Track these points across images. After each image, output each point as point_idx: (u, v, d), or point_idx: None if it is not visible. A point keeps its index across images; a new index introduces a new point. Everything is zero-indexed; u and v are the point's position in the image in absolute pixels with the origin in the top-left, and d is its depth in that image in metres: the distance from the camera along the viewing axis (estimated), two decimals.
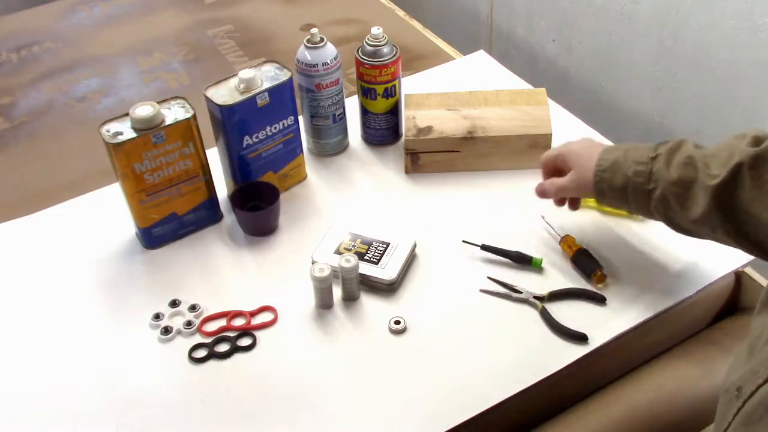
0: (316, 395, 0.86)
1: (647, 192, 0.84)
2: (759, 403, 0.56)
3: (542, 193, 0.97)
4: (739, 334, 0.95)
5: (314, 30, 1.10)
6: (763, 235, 0.77)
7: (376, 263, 0.97)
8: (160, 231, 1.04)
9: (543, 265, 0.99)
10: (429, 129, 1.11)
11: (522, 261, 0.98)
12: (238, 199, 1.05)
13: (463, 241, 1.01)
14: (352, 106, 1.21)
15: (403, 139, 1.22)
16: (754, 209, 0.76)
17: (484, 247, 0.99)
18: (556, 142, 1.19)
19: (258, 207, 1.06)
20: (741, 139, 0.80)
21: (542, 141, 1.11)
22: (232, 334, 0.93)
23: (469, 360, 0.89)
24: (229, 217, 1.10)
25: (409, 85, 1.29)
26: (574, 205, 1.00)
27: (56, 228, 1.10)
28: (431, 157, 1.12)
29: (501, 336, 0.91)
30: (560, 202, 1.00)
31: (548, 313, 0.92)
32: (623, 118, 1.56)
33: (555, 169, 0.97)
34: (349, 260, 0.93)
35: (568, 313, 0.93)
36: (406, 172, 1.14)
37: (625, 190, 0.86)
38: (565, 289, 0.95)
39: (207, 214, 1.07)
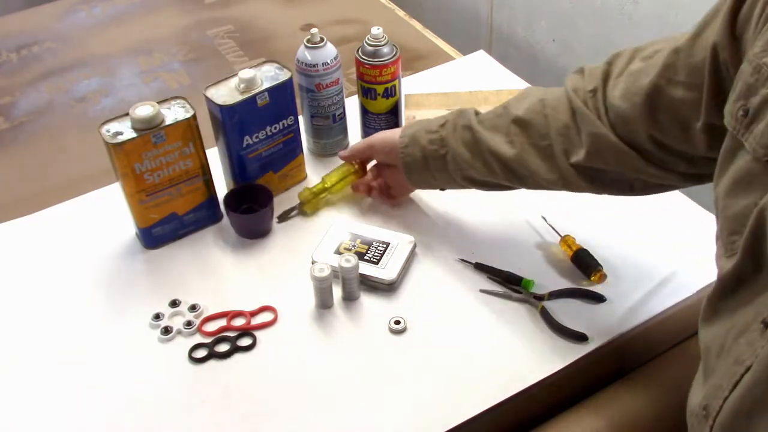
0: (316, 395, 0.86)
1: (442, 156, 0.92)
2: (733, 414, 0.56)
3: (342, 154, 1.07)
4: None
5: (314, 30, 1.10)
6: (540, 183, 0.88)
7: (376, 263, 0.97)
8: (160, 231, 1.04)
9: (542, 265, 0.99)
10: None
11: (513, 282, 0.97)
12: (232, 202, 1.05)
13: (460, 260, 1.00)
14: (352, 106, 1.21)
15: None
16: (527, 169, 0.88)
17: (478, 266, 0.99)
18: None
19: (252, 209, 1.06)
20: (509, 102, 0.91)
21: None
22: (232, 334, 0.93)
23: (469, 360, 0.89)
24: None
25: (409, 85, 1.29)
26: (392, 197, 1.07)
27: (56, 228, 1.10)
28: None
29: (501, 336, 0.91)
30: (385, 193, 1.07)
31: (548, 312, 0.92)
32: None
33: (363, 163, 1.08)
34: (349, 260, 0.93)
35: (568, 312, 0.93)
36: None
37: (425, 160, 0.94)
38: (565, 288, 0.95)
39: (207, 214, 1.07)
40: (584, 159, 0.82)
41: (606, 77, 0.82)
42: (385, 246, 1.00)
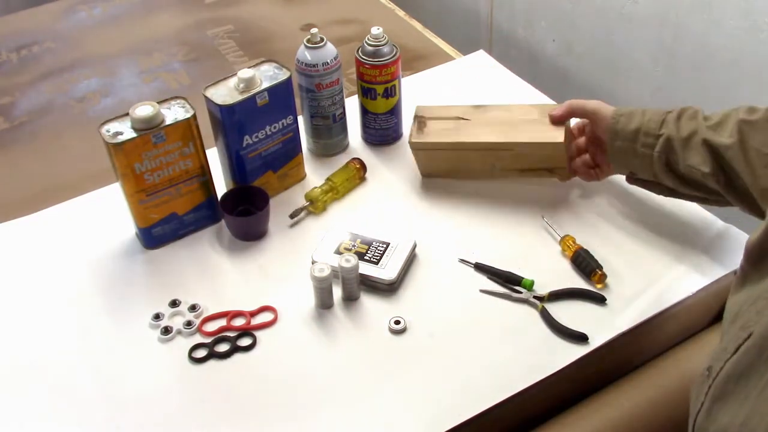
0: (316, 395, 0.86)
1: (657, 135, 0.92)
2: (726, 377, 0.57)
3: (554, 113, 1.02)
4: None
5: (314, 30, 1.10)
6: (752, 188, 0.85)
7: (376, 263, 0.97)
8: (160, 231, 1.04)
9: (542, 265, 0.99)
10: (424, 122, 1.10)
11: (513, 282, 0.97)
12: (228, 204, 1.05)
13: (460, 260, 1.00)
14: (352, 106, 1.21)
15: (405, 138, 1.22)
16: (741, 168, 0.85)
17: (478, 266, 0.99)
18: None
19: (249, 211, 1.06)
20: (737, 109, 0.90)
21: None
22: (232, 334, 0.93)
23: (469, 360, 0.89)
24: None
25: (409, 85, 1.29)
26: (597, 171, 1.04)
27: (56, 228, 1.10)
28: (439, 125, 1.08)
29: (501, 336, 0.91)
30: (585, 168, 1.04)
31: (548, 313, 0.92)
32: None
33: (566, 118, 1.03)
34: (349, 260, 0.93)
35: (568, 313, 0.93)
36: (410, 139, 1.07)
37: (637, 132, 0.93)
38: (565, 289, 0.95)
39: (207, 213, 1.07)
40: None
41: None
42: (385, 246, 1.00)
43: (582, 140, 1.05)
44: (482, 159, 1.08)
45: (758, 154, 0.84)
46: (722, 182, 0.88)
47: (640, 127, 0.93)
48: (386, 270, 0.97)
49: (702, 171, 0.89)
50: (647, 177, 0.97)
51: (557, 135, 1.02)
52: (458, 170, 1.11)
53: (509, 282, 0.96)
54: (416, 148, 1.09)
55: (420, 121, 1.09)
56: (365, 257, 0.98)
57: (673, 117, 0.92)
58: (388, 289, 0.97)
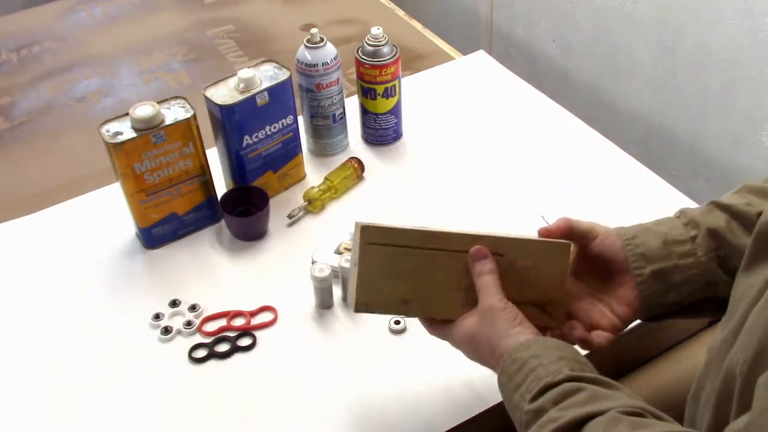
0: (316, 395, 0.86)
1: (692, 238, 0.72)
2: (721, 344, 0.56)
3: (547, 228, 0.76)
4: None
5: (314, 30, 1.10)
6: None
7: None
8: (160, 231, 1.04)
9: None
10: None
11: None
12: (228, 204, 1.05)
13: None
14: (352, 106, 1.21)
15: (405, 138, 1.22)
16: None
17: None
18: (555, 146, 1.19)
19: (249, 211, 1.06)
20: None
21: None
22: (232, 334, 0.93)
23: (469, 360, 0.88)
24: None
25: (409, 85, 1.29)
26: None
27: (56, 228, 1.10)
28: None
29: None
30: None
31: None
32: (623, 118, 1.57)
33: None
34: (349, 260, 0.93)
35: None
36: (358, 222, 0.71)
37: (665, 245, 0.72)
38: None
39: (207, 213, 1.07)
40: None
41: None
42: None
43: None
44: (456, 275, 0.72)
45: None
46: None
47: (665, 239, 0.72)
48: None
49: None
50: (694, 298, 0.73)
51: (561, 242, 0.74)
52: (413, 298, 0.72)
53: None
54: (366, 239, 0.70)
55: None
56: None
57: (695, 214, 0.73)
58: None
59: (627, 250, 0.72)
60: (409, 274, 0.71)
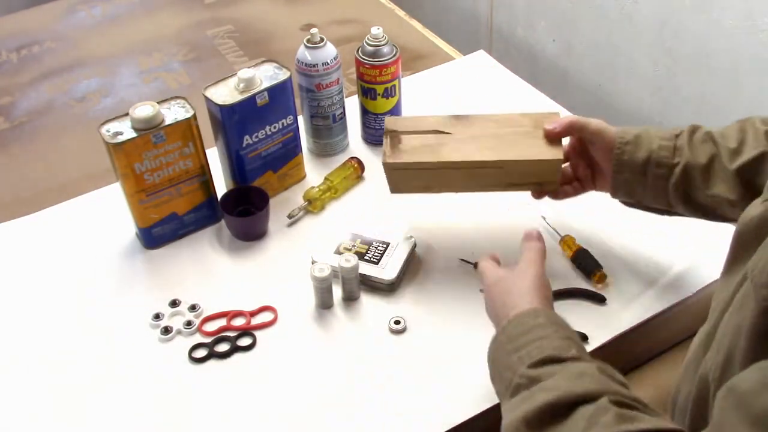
0: (316, 395, 0.86)
1: (671, 166, 0.83)
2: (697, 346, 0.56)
3: (552, 126, 0.89)
4: None
5: (314, 30, 1.10)
6: None
7: (376, 263, 0.97)
8: (160, 231, 1.04)
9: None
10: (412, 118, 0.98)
11: None
12: (228, 204, 1.05)
13: (460, 260, 1.00)
14: (352, 106, 1.21)
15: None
16: None
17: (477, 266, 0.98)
18: None
19: (249, 211, 1.06)
20: (748, 120, 0.83)
21: (553, 120, 0.91)
22: (232, 334, 0.93)
23: (469, 360, 0.89)
24: None
25: (409, 85, 1.29)
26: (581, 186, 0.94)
27: (56, 228, 1.10)
28: (415, 140, 0.93)
29: None
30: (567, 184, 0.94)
31: None
32: (623, 118, 1.56)
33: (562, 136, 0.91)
34: (349, 260, 0.93)
35: (568, 313, 0.92)
36: (384, 159, 0.92)
37: (647, 164, 0.84)
38: (565, 289, 0.95)
39: (207, 213, 1.07)
40: None
41: None
42: (385, 246, 1.00)
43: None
44: (466, 177, 0.93)
45: None
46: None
47: (649, 156, 0.84)
48: (386, 270, 0.97)
49: (729, 199, 0.81)
50: (658, 206, 0.89)
51: (555, 152, 0.89)
52: (435, 187, 0.98)
53: None
54: (391, 168, 0.92)
55: (393, 136, 0.93)
56: (365, 257, 0.98)
57: (685, 141, 0.84)
58: (388, 289, 0.97)
59: (615, 153, 0.85)
60: (427, 178, 0.94)
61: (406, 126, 0.95)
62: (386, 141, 0.93)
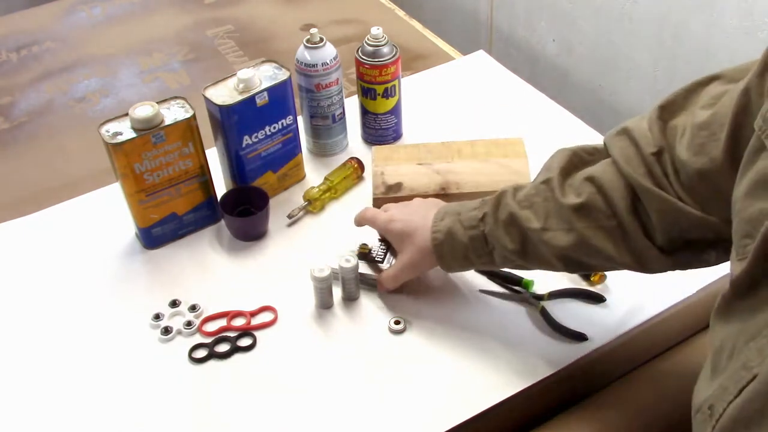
0: (316, 395, 0.86)
1: (489, 252, 0.84)
2: (731, 421, 0.55)
3: (382, 288, 0.95)
4: None
5: (314, 30, 1.10)
6: (614, 266, 0.80)
7: (381, 262, 0.97)
8: (159, 231, 1.04)
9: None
10: (399, 186, 1.04)
11: (513, 282, 0.97)
12: (228, 204, 1.05)
13: None
14: (352, 106, 1.21)
15: (405, 138, 1.22)
16: (599, 256, 0.78)
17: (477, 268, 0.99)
18: (555, 146, 1.19)
19: (248, 211, 1.06)
20: (548, 185, 0.80)
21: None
22: (232, 334, 0.93)
23: (469, 360, 0.89)
24: None
25: (409, 85, 1.29)
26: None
27: (56, 228, 1.10)
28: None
29: (501, 336, 0.91)
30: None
31: (548, 312, 0.92)
32: (623, 118, 1.55)
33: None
34: (349, 260, 0.93)
35: (567, 312, 0.93)
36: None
37: (467, 257, 0.85)
38: (564, 289, 0.95)
39: (207, 214, 1.07)
40: (661, 238, 0.75)
41: (669, 134, 0.74)
42: (387, 246, 1.00)
43: None
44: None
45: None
46: (580, 272, 0.89)
47: (467, 252, 0.85)
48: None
49: (560, 270, 0.82)
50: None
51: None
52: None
53: (509, 282, 0.96)
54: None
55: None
56: (368, 256, 0.98)
57: (491, 224, 0.83)
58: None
59: (434, 250, 0.87)
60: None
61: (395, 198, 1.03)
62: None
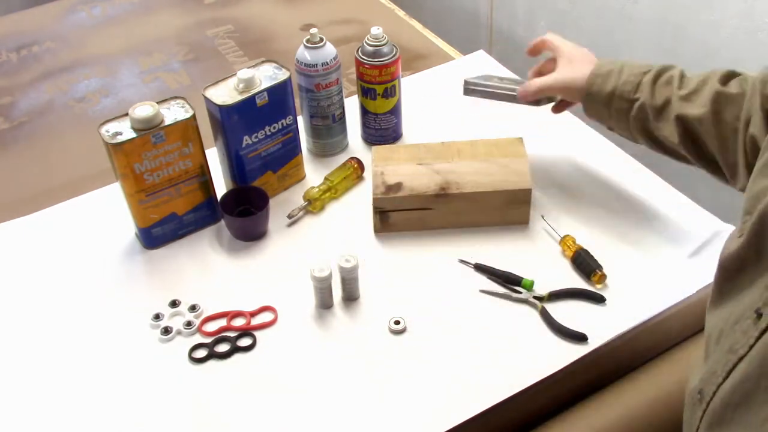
0: (316, 395, 0.86)
1: (631, 101, 0.91)
2: (721, 404, 0.56)
3: (524, 94, 1.02)
4: None
5: (314, 30, 1.10)
6: (721, 161, 0.86)
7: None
8: (159, 231, 1.04)
9: (542, 265, 0.99)
10: (399, 186, 1.02)
11: (513, 282, 0.97)
12: (228, 204, 1.05)
13: (460, 260, 1.00)
14: (352, 106, 1.21)
15: (405, 138, 1.22)
16: (710, 140, 0.85)
17: (478, 266, 0.99)
18: (555, 146, 1.19)
19: (249, 211, 1.06)
20: (714, 73, 0.88)
21: (521, 196, 1.02)
22: (232, 334, 0.93)
23: (469, 360, 0.89)
24: None
25: (409, 85, 1.29)
26: (559, 108, 1.07)
27: (56, 228, 1.10)
28: (402, 216, 1.03)
29: (501, 336, 0.91)
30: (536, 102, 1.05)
31: (548, 313, 0.92)
32: None
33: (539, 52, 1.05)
34: (349, 260, 0.93)
35: (567, 313, 0.93)
36: (375, 231, 1.05)
37: (612, 95, 0.92)
38: (564, 289, 0.95)
39: (206, 214, 1.07)
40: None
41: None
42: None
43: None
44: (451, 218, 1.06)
45: (730, 127, 0.83)
46: (692, 152, 0.89)
47: (614, 90, 0.92)
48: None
49: (673, 141, 0.89)
50: (624, 134, 0.97)
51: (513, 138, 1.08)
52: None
53: (509, 282, 0.97)
54: (381, 232, 1.06)
55: (382, 214, 1.03)
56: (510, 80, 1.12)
57: (649, 80, 0.91)
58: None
59: (585, 86, 0.95)
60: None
61: (393, 204, 1.03)
62: (375, 217, 1.04)
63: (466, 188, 1.02)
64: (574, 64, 0.98)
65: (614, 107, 0.93)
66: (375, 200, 1.02)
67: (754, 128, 0.78)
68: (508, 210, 1.03)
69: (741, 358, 0.54)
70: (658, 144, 0.93)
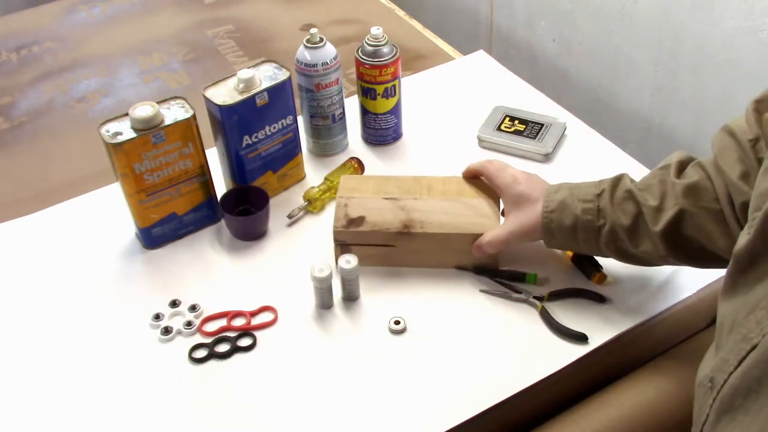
0: (316, 395, 0.86)
1: (597, 228, 0.87)
2: (732, 391, 0.56)
3: (480, 251, 0.95)
4: None
5: (314, 30, 1.10)
6: (713, 250, 0.82)
7: (533, 138, 1.12)
8: (159, 231, 1.04)
9: (542, 265, 0.98)
10: (361, 220, 0.98)
11: (515, 279, 0.97)
12: (228, 204, 1.05)
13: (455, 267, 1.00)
14: (352, 106, 1.21)
15: (405, 137, 1.22)
16: (701, 235, 0.81)
17: (477, 270, 0.99)
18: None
19: (249, 211, 1.06)
20: (666, 170, 0.85)
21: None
22: (232, 334, 0.93)
23: (469, 360, 0.89)
24: None
25: (409, 85, 1.29)
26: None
27: (56, 228, 1.10)
28: (363, 251, 0.97)
29: (501, 336, 0.91)
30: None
31: (548, 313, 0.92)
32: (623, 118, 1.57)
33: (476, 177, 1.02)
34: (349, 261, 0.93)
35: (567, 313, 0.93)
36: (337, 261, 0.97)
37: (574, 228, 0.88)
38: (564, 289, 0.95)
39: (207, 213, 1.07)
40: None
41: (765, 125, 0.78)
42: (540, 125, 1.16)
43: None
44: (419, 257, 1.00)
45: (711, 211, 0.80)
46: (681, 256, 0.85)
47: (575, 223, 0.87)
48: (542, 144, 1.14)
49: (659, 255, 0.85)
50: (594, 254, 0.93)
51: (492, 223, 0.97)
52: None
53: (512, 279, 0.97)
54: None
55: (342, 247, 0.98)
56: (524, 133, 1.17)
57: (607, 201, 0.86)
58: (544, 160, 1.15)
59: (543, 222, 0.89)
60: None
61: (354, 238, 0.98)
62: (336, 249, 1.00)
63: (429, 228, 0.96)
64: (520, 205, 0.92)
65: (580, 238, 0.88)
66: (335, 233, 0.98)
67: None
68: (473, 253, 0.97)
69: (754, 347, 0.55)
70: (635, 260, 0.89)
